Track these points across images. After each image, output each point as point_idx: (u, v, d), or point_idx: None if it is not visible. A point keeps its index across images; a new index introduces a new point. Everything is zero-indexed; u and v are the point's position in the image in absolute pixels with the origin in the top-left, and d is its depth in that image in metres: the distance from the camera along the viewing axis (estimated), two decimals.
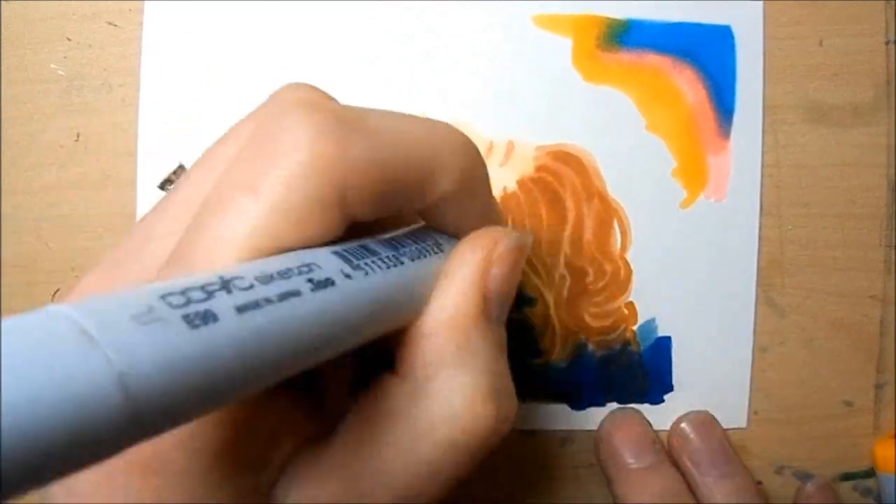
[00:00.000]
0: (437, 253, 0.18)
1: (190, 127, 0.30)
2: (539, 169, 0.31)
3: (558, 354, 0.31)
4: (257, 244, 0.14)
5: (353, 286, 0.14)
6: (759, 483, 0.32)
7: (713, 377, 0.31)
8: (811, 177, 0.31)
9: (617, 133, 0.31)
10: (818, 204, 0.31)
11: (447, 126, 0.18)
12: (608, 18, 0.31)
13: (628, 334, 0.31)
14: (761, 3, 0.31)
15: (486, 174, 0.20)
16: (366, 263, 0.15)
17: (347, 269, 0.15)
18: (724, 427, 0.32)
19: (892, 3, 0.31)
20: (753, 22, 0.31)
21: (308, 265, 0.14)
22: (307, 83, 0.17)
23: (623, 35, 0.31)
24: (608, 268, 0.31)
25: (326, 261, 0.14)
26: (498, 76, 0.31)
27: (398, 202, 0.17)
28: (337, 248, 0.15)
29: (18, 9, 0.31)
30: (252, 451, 0.16)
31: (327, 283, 0.14)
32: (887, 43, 0.31)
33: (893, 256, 0.31)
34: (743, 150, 0.31)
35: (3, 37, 0.31)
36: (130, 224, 0.31)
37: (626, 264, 0.31)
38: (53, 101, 0.31)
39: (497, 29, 0.30)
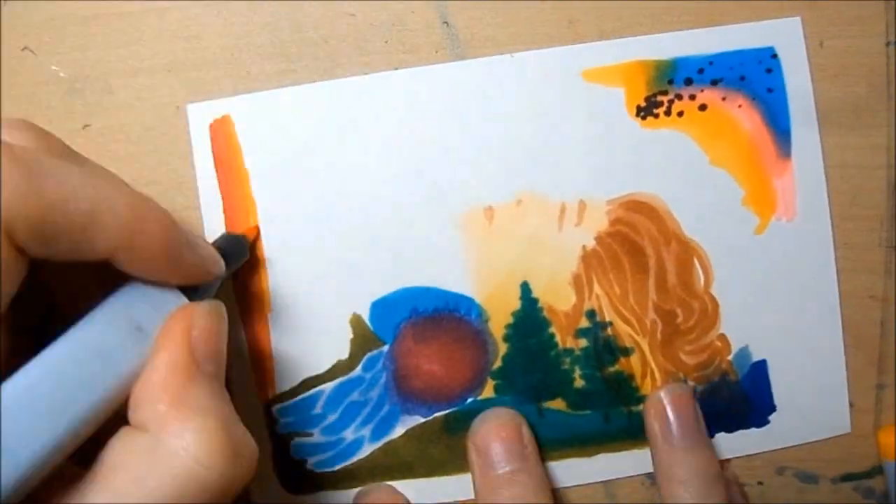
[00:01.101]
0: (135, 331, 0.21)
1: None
2: (614, 222, 0.31)
3: None
4: None
5: None
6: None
7: (812, 389, 0.32)
8: None
9: (683, 173, 0.31)
10: None
11: (115, 181, 0.21)
12: (655, 61, 0.31)
13: (725, 365, 0.32)
14: (799, 18, 0.31)
15: (165, 227, 0.21)
16: None
17: None
18: (832, 434, 0.32)
19: (893, 4, 0.31)
20: (795, 38, 0.31)
21: None
22: (23, 120, 0.21)
23: (672, 74, 0.31)
24: (696, 305, 0.31)
25: None
26: (556, 138, 0.31)
27: (67, 243, 0.19)
28: None
29: (19, 10, 0.30)
30: None
31: None
32: (888, 44, 0.31)
33: (894, 258, 0.32)
34: (805, 167, 0.31)
35: (3, 38, 0.30)
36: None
37: (712, 299, 0.31)
38: (55, 103, 0.31)
39: (550, 90, 0.30)
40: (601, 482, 0.32)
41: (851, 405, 0.32)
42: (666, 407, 0.30)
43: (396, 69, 0.30)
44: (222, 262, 0.25)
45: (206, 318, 0.22)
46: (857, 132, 0.31)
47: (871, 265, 0.31)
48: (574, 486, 0.32)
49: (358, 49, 0.30)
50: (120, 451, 0.19)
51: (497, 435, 0.30)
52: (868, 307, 0.32)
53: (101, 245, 0.19)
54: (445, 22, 0.30)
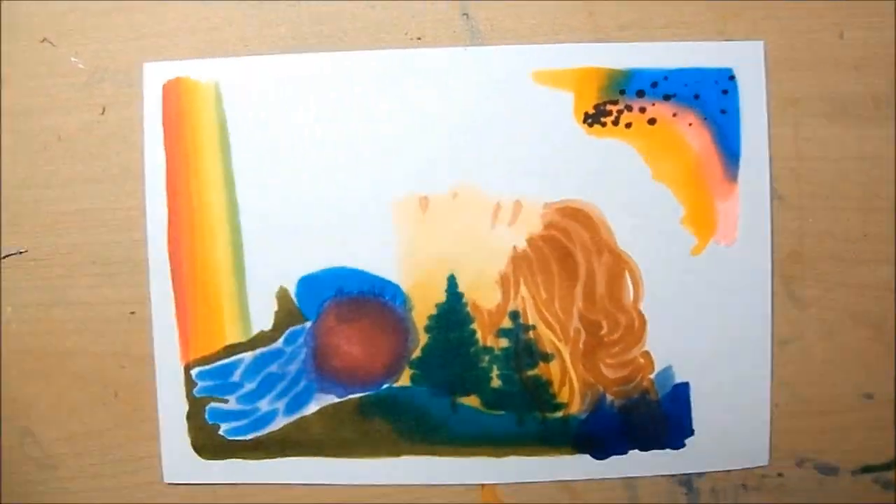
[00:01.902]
0: None
1: None
2: (548, 226, 0.31)
3: (577, 407, 0.31)
4: None
5: None
6: (780, 475, 0.32)
7: (733, 418, 0.31)
8: (832, 169, 0.31)
9: (623, 185, 0.31)
10: (838, 196, 0.31)
11: None
12: (608, 70, 0.30)
13: (646, 383, 0.31)
14: (762, 42, 0.31)
15: None
16: None
17: None
18: (747, 466, 0.32)
19: None
20: (755, 63, 0.31)
21: None
22: None
23: (624, 85, 0.30)
24: (622, 319, 0.31)
25: None
26: (499, 135, 0.31)
27: None
28: None
29: (39, 3, 0.31)
30: None
31: None
32: None
33: None
34: (750, 193, 0.31)
35: (22, 30, 0.31)
36: (147, 217, 0.31)
37: (640, 315, 0.31)
38: (74, 93, 0.31)
39: (497, 88, 0.30)
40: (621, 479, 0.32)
41: (871, 397, 0.31)
42: None
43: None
44: None
45: None
46: (877, 123, 0.31)
47: (891, 257, 0.31)
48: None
49: (377, 40, 0.31)
50: None
51: None
52: (888, 299, 0.31)
53: None
54: (465, 14, 0.30)
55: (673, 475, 0.32)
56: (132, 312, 0.32)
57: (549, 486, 0.32)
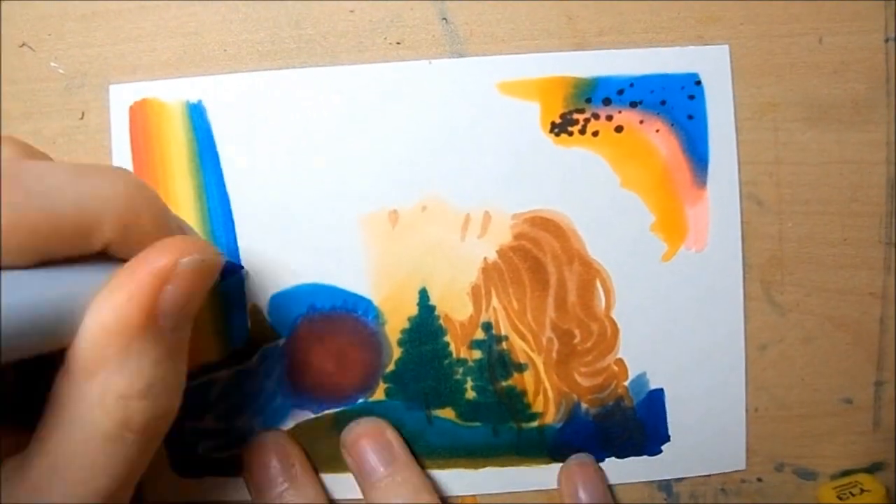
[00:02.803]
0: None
1: None
2: (517, 237, 0.31)
3: (552, 416, 0.31)
4: None
5: None
6: (759, 480, 0.32)
7: (709, 423, 0.32)
8: (811, 174, 0.31)
9: (592, 193, 0.31)
10: (818, 201, 0.31)
11: (108, 176, 0.20)
12: (574, 78, 0.30)
13: (620, 390, 0.31)
14: (727, 46, 0.31)
15: (157, 207, 0.21)
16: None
17: None
18: (724, 471, 0.32)
19: (892, 1, 0.30)
20: (721, 67, 0.31)
21: None
22: (9, 136, 0.20)
23: (590, 93, 0.30)
24: (594, 327, 0.31)
25: None
26: (467, 147, 0.31)
27: (58, 250, 0.18)
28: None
29: (18, 6, 0.31)
30: None
31: None
32: (887, 40, 0.30)
33: (893, 254, 0.31)
34: (720, 198, 0.31)
35: (2, 34, 0.31)
36: None
37: (613, 322, 0.31)
38: (53, 99, 0.31)
39: (462, 99, 0.30)
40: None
41: (850, 402, 0.32)
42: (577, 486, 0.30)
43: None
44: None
45: (191, 275, 0.20)
46: (857, 128, 0.31)
47: (870, 262, 0.31)
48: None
49: (357, 45, 0.31)
50: (54, 411, 0.19)
51: (366, 441, 0.30)
52: (867, 304, 0.31)
53: (96, 242, 0.19)
54: (444, 19, 0.30)
55: (651, 480, 0.32)
56: None
57: (526, 496, 0.32)
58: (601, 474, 0.31)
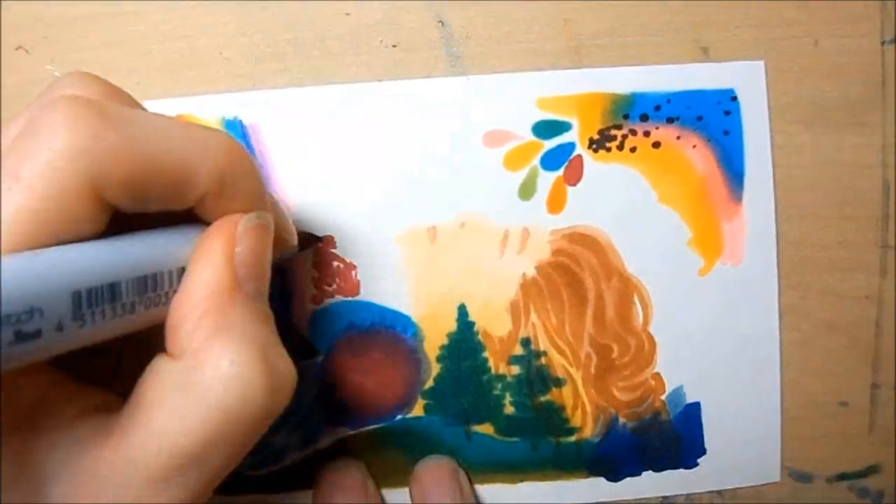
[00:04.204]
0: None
1: None
2: (556, 253, 0.31)
3: (590, 431, 0.32)
4: (22, 229, 0.16)
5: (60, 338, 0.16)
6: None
7: (744, 436, 0.32)
8: (806, 177, 0.31)
9: (630, 209, 0.31)
10: (813, 204, 0.31)
11: (208, 130, 0.19)
12: (611, 94, 0.30)
13: (657, 404, 0.31)
14: (762, 62, 0.31)
15: (254, 173, 0.20)
16: (92, 314, 0.16)
17: (67, 321, 0.16)
18: (759, 483, 0.32)
19: (889, 3, 0.31)
20: (756, 82, 0.31)
21: (30, 311, 0.15)
22: (88, 73, 0.20)
23: (628, 109, 0.31)
24: (632, 342, 0.31)
25: (54, 304, 0.15)
26: (505, 163, 0.31)
27: (159, 197, 0.18)
28: (80, 285, 0.16)
29: (14, 8, 0.30)
30: (14, 416, 0.17)
31: (33, 335, 0.15)
32: (883, 43, 0.31)
33: (889, 257, 0.31)
34: (756, 213, 0.31)
35: (0, 37, 0.30)
36: None
37: (650, 337, 0.31)
38: None
39: (502, 116, 0.30)
40: None
41: (846, 405, 0.32)
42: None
43: (382, 78, 0.30)
44: (296, 237, 0.25)
45: (253, 233, 0.20)
46: (853, 131, 0.31)
47: (866, 265, 0.31)
48: None
49: (353, 48, 0.30)
50: (155, 384, 0.18)
51: (436, 480, 0.30)
52: (863, 307, 0.31)
53: (192, 195, 0.19)
54: (441, 21, 0.30)
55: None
56: None
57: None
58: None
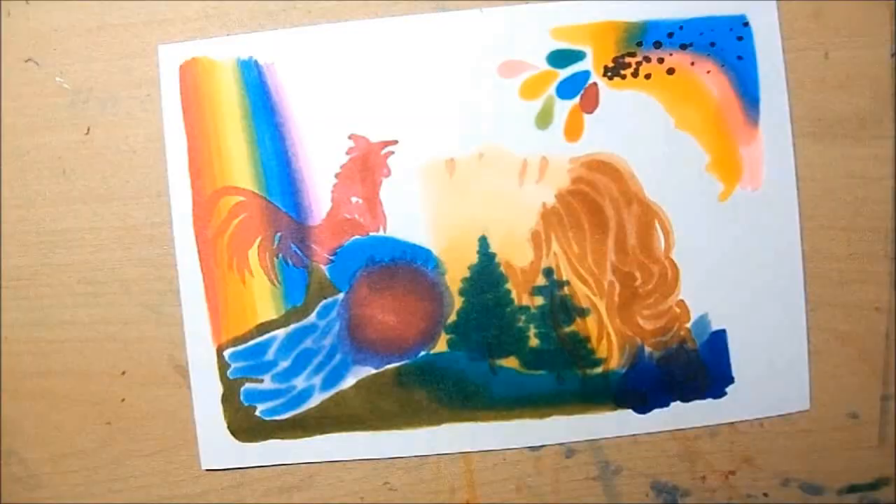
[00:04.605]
0: None
1: None
2: (575, 181, 0.31)
3: (616, 361, 0.31)
4: None
5: None
6: (765, 495, 0.31)
7: (771, 364, 0.31)
8: (816, 189, 0.31)
9: (647, 135, 0.31)
10: (823, 216, 0.31)
11: None
12: (625, 23, 0.31)
13: (683, 332, 0.31)
14: None
15: None
16: None
17: None
18: (789, 411, 0.32)
19: None
20: (767, 7, 0.31)
21: None
22: None
23: (642, 37, 0.31)
24: (655, 269, 0.31)
25: None
26: (522, 93, 0.31)
27: None
28: None
29: (23, 21, 0.30)
30: None
31: None
32: (893, 55, 0.31)
33: None
34: (773, 136, 0.31)
35: (7, 50, 0.30)
36: (135, 237, 0.31)
37: (673, 264, 0.31)
38: (58, 114, 0.31)
39: (516, 45, 0.30)
40: (602, 491, 0.31)
41: (856, 416, 0.31)
42: None
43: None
44: None
45: None
46: (863, 143, 0.31)
47: (876, 277, 0.31)
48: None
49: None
50: None
51: None
52: (873, 319, 0.31)
53: None
54: None
55: (660, 493, 0.32)
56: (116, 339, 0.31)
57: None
58: None
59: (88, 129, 0.31)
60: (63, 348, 0.31)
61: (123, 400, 0.31)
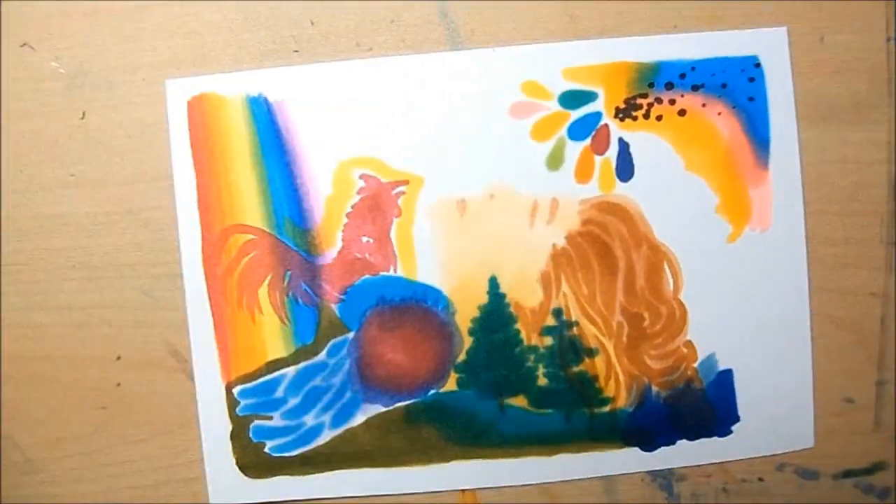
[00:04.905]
0: None
1: None
2: (585, 222, 0.31)
3: (624, 400, 0.31)
4: None
5: None
6: (761, 479, 0.32)
7: (777, 402, 0.32)
8: (812, 173, 0.31)
9: (657, 177, 0.31)
10: (819, 201, 0.31)
11: None
12: (636, 63, 0.31)
13: (690, 372, 0.31)
14: (785, 28, 0.31)
15: None
16: None
17: None
18: (794, 449, 0.32)
19: (893, 0, 0.31)
20: (780, 48, 0.31)
21: None
22: None
23: (654, 77, 0.31)
24: (663, 310, 0.31)
25: None
26: (534, 135, 0.30)
27: None
28: None
29: (19, 6, 0.30)
30: None
31: None
32: (888, 40, 0.31)
33: (894, 254, 0.31)
34: (783, 178, 0.31)
35: (2, 34, 0.30)
36: (130, 221, 0.31)
37: (681, 304, 0.31)
38: (54, 98, 0.31)
39: (528, 85, 0.30)
40: (599, 478, 0.32)
41: (852, 401, 0.32)
42: None
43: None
44: None
45: None
46: (858, 128, 0.31)
47: (872, 262, 0.31)
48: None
49: (356, 44, 0.30)
50: None
51: None
52: (869, 304, 0.31)
53: None
54: (445, 16, 0.30)
55: (655, 477, 0.32)
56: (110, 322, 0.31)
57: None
58: None
59: (84, 114, 0.30)
60: (58, 332, 0.31)
61: (119, 384, 0.31)
